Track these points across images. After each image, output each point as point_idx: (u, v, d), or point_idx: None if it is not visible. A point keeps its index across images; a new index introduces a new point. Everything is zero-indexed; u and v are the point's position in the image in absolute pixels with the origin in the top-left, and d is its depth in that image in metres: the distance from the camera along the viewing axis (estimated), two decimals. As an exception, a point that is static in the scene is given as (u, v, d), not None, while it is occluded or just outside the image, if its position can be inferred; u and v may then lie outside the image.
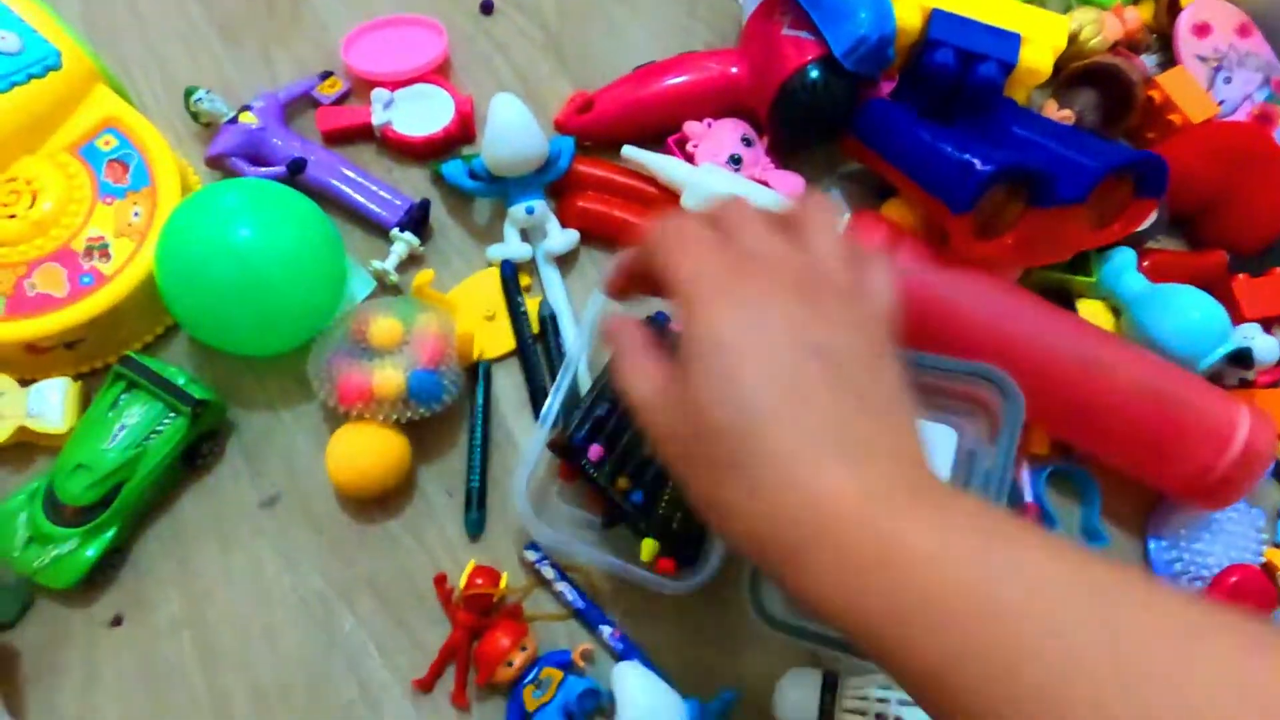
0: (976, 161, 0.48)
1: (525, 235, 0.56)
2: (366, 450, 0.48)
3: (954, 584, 0.24)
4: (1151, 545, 0.51)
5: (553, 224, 0.55)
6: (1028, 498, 0.51)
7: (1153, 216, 0.56)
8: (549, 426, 0.47)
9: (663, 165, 0.55)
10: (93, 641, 0.46)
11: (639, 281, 0.35)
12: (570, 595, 0.48)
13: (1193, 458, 0.46)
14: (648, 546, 0.45)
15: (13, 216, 0.48)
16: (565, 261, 0.56)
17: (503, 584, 0.46)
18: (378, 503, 0.50)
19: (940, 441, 0.47)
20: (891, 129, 0.54)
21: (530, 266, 0.56)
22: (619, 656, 0.47)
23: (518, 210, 0.54)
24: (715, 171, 0.55)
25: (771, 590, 0.42)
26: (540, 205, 0.54)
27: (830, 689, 0.44)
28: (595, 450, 0.46)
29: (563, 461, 0.48)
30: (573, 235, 0.55)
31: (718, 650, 0.47)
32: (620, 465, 0.47)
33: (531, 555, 0.48)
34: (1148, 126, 0.61)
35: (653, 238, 0.33)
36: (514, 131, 0.51)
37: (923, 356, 0.46)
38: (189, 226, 0.46)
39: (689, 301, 0.30)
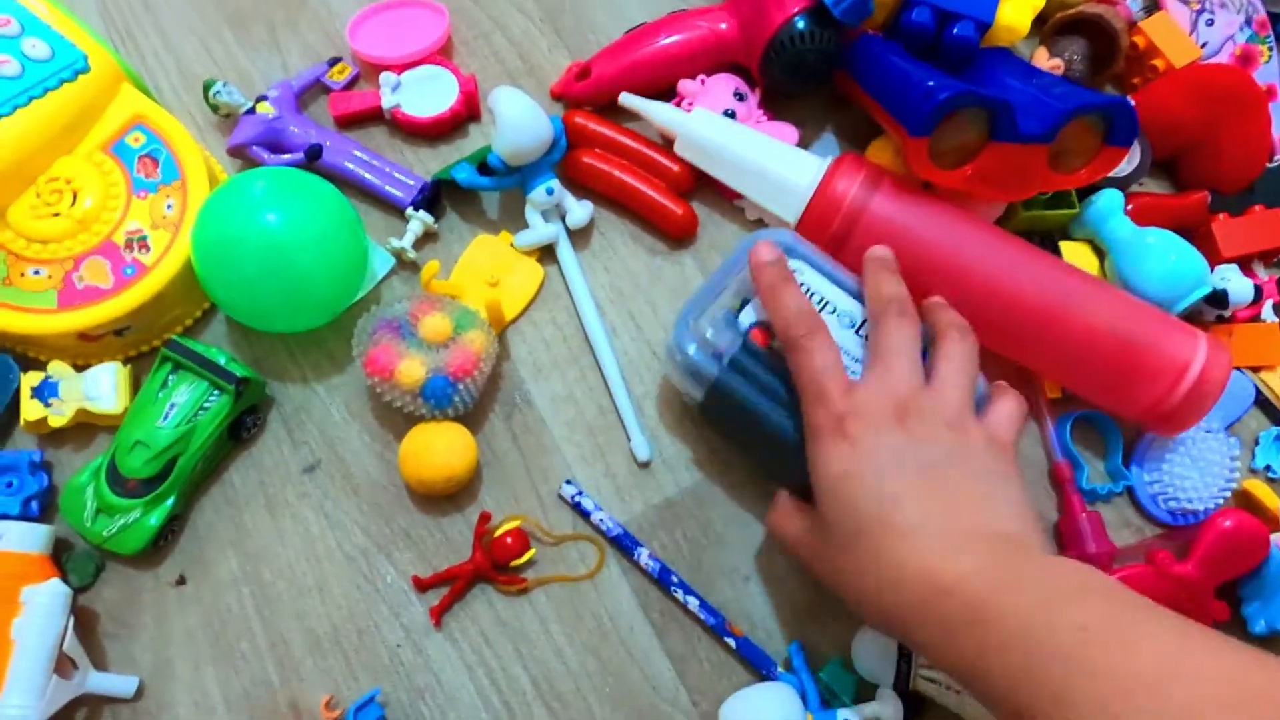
0: (936, 85, 0.49)
1: (545, 218, 0.58)
2: (432, 450, 0.50)
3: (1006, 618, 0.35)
4: (1133, 472, 0.54)
5: (569, 199, 0.57)
6: (1058, 456, 0.54)
7: (1135, 160, 0.58)
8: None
9: (656, 111, 0.57)
10: (161, 600, 0.51)
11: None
12: (608, 524, 0.51)
13: (1149, 391, 0.49)
14: None
15: (57, 215, 0.51)
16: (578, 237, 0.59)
17: (525, 558, 0.50)
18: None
19: None
20: (872, 59, 0.55)
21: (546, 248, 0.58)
22: (657, 579, 0.51)
23: (538, 194, 0.56)
24: (707, 116, 0.56)
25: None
26: (556, 184, 0.56)
27: (906, 656, 0.47)
28: None
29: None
30: (588, 205, 0.58)
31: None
32: None
33: (569, 490, 0.52)
34: (1133, 73, 0.63)
35: (800, 341, 0.45)
36: (524, 122, 0.53)
37: None
38: (220, 216, 0.49)
39: (812, 438, 0.43)
